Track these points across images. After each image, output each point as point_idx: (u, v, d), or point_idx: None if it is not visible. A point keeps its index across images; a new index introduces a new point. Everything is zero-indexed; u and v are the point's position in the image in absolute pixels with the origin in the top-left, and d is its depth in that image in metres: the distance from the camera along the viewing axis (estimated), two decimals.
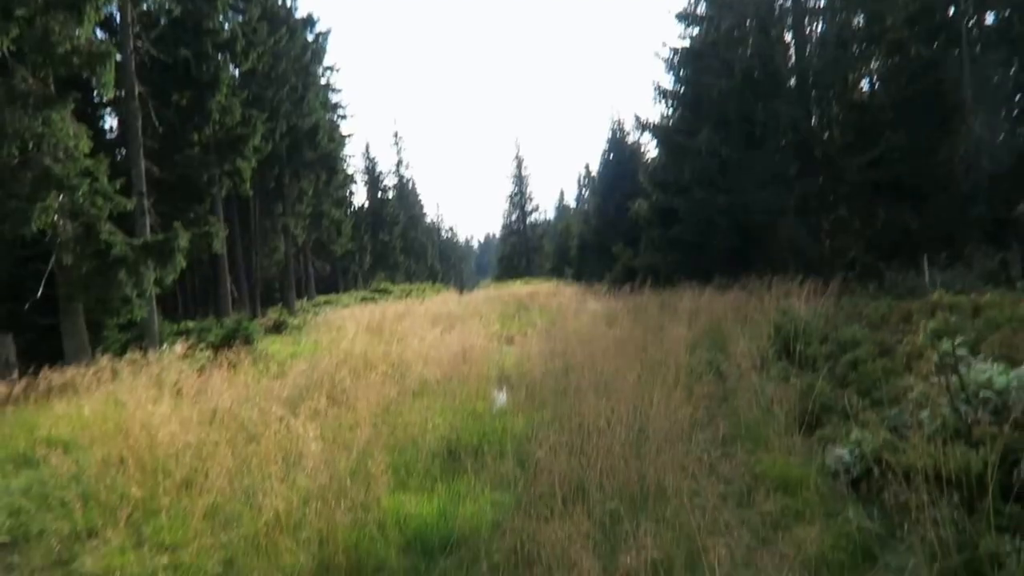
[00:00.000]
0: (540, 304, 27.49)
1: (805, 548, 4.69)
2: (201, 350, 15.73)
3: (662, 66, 31.68)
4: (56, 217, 14.79)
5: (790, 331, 10.08)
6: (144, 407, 8.61)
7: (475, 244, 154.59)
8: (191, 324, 23.49)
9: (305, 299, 42.88)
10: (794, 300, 14.35)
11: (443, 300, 34.38)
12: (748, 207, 24.84)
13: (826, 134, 26.84)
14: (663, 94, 29.79)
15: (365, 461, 6.37)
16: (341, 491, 5.58)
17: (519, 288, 43.75)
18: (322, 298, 44.26)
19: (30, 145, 14.02)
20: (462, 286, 60.02)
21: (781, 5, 28.20)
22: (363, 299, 42.13)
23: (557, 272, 56.78)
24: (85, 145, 15.22)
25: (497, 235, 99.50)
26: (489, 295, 39.60)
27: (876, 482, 4.97)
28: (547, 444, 6.34)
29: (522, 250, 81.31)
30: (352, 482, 5.87)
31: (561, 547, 4.19)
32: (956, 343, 5.38)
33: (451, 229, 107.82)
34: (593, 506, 5.31)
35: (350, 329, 19.42)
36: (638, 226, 31.73)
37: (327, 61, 55.14)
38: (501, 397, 10.76)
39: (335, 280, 54.40)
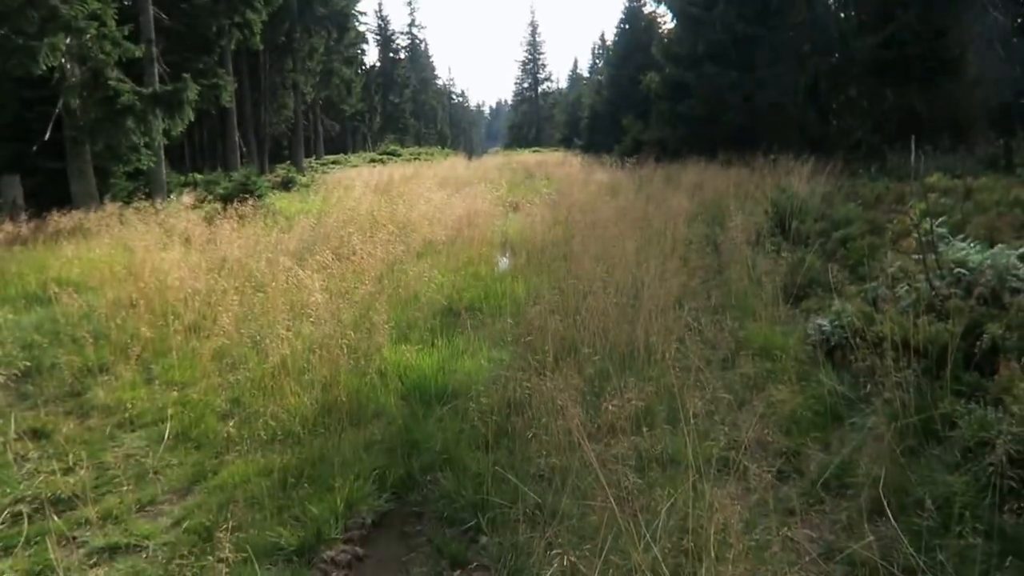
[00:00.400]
0: (547, 173, 27.42)
1: (779, 407, 5.04)
2: (209, 202, 15.88)
3: None
4: (64, 60, 14.57)
5: (787, 208, 10.21)
6: (154, 253, 8.85)
7: (486, 110, 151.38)
8: (198, 176, 23.52)
9: (313, 158, 42.61)
10: (795, 178, 14.37)
11: (451, 165, 34.20)
12: (759, 84, 24.33)
13: (842, 13, 25.87)
14: None
15: (368, 314, 6.66)
16: (345, 341, 5.86)
17: (528, 157, 43.41)
18: (330, 158, 43.95)
19: None
20: (471, 152, 59.39)
21: None
22: (371, 161, 41.85)
23: (567, 143, 55.95)
24: None
25: (509, 102, 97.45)
26: (498, 162, 39.35)
27: (850, 350, 5.25)
28: (544, 306, 6.60)
29: (533, 119, 79.90)
30: (355, 333, 6.16)
31: (550, 396, 4.50)
32: (937, 223, 5.53)
33: (462, 94, 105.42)
34: (584, 364, 5.61)
35: (358, 189, 19.52)
36: (649, 99, 31.07)
37: None
38: (503, 261, 11.02)
39: (344, 141, 53.81)
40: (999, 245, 5.73)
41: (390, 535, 4.12)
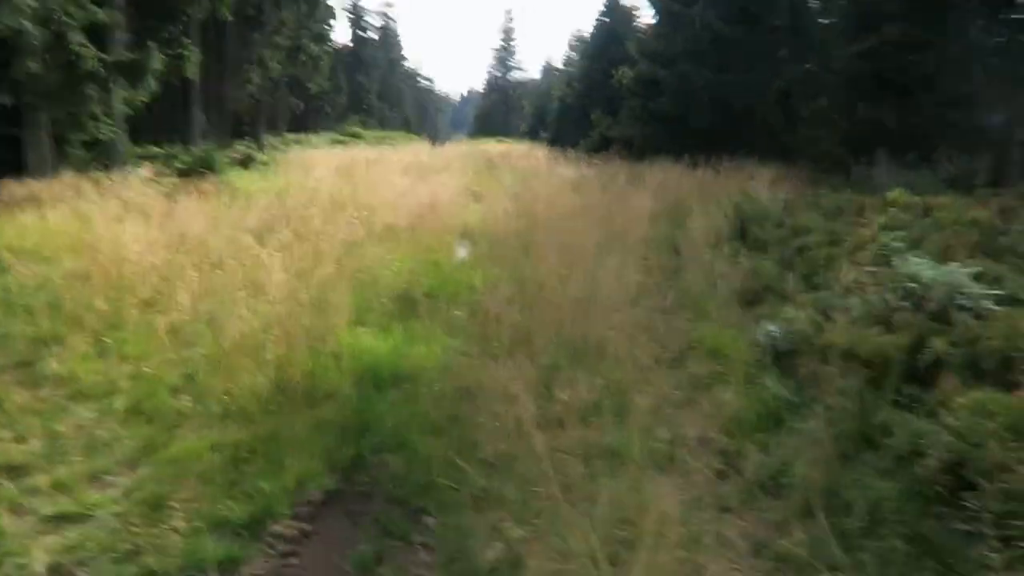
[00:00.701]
0: (512, 165, 27.43)
1: (724, 408, 5.18)
2: (167, 175, 15.63)
3: None
4: (25, 21, 14.16)
5: (748, 213, 10.39)
6: (111, 225, 8.71)
7: (456, 98, 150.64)
8: (157, 149, 23.07)
9: (275, 136, 41.97)
10: (759, 184, 14.61)
11: (415, 151, 34.06)
12: (732, 86, 24.57)
13: (824, 20, 26.25)
14: None
15: (326, 296, 6.65)
16: (301, 322, 5.86)
17: (492, 147, 43.32)
18: (292, 137, 43.33)
19: None
20: (436, 138, 59.03)
21: None
22: (334, 142, 41.45)
23: (533, 135, 55.93)
24: None
25: (478, 91, 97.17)
26: (462, 150, 39.23)
27: (797, 357, 5.39)
28: (502, 297, 6.66)
29: (501, 109, 79.63)
30: (312, 314, 6.15)
31: (503, 385, 4.56)
32: (893, 237, 5.69)
33: (431, 80, 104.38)
34: (537, 355, 5.68)
35: (320, 170, 19.35)
36: (620, 96, 31.20)
37: None
38: (463, 251, 11.04)
39: (307, 120, 53.06)
40: (952, 263, 5.92)
41: (338, 513, 4.16)
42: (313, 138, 44.09)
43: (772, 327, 6.10)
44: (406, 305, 7.54)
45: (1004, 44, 23.24)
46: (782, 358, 5.76)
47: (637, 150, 25.28)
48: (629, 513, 3.62)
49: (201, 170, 15.64)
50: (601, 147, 28.71)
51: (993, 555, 2.87)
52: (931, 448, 3.67)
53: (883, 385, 4.73)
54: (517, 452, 4.19)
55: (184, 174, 15.40)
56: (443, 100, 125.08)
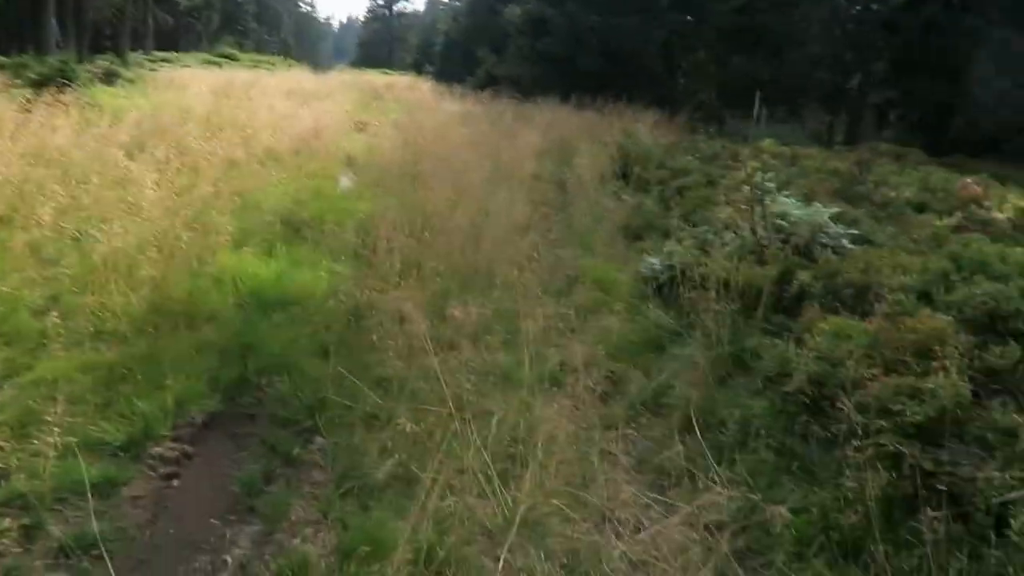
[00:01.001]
0: (397, 96, 26.80)
1: (609, 335, 5.38)
2: (18, 86, 14.27)
3: None
4: None
5: (632, 154, 10.66)
6: None
7: (335, 24, 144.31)
8: (5, 59, 20.99)
9: (140, 53, 39.00)
10: (643, 128, 14.96)
11: (296, 77, 32.54)
12: (617, 31, 24.87)
13: None
14: None
15: (205, 216, 6.35)
16: (178, 242, 5.56)
17: (377, 78, 41.96)
18: (160, 55, 40.34)
19: None
20: (317, 66, 56.57)
21: None
22: (207, 62, 38.86)
23: (418, 68, 54.62)
24: None
25: (359, 18, 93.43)
26: (345, 80, 37.78)
27: (677, 287, 5.65)
28: (390, 225, 6.57)
29: (385, 39, 76.97)
30: (190, 234, 5.86)
31: (394, 307, 4.55)
32: (766, 178, 6.00)
33: (311, 4, 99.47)
34: (428, 282, 5.68)
35: (193, 90, 18.20)
36: (507, 34, 30.92)
37: None
38: (348, 179, 10.77)
39: (176, 38, 49.62)
40: (815, 204, 6.32)
41: (222, 435, 4.06)
42: (184, 57, 41.17)
43: (654, 260, 6.35)
44: (290, 230, 7.32)
45: (859, 13, 24.57)
46: (663, 289, 6.03)
47: (524, 89, 25.25)
48: (520, 433, 3.74)
49: (60, 82, 14.32)
50: (488, 84, 28.48)
51: (850, 455, 3.16)
52: (796, 369, 3.95)
53: (754, 313, 5.05)
54: (409, 372, 4.22)
55: (38, 85, 14.06)
56: (324, 27, 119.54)
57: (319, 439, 3.99)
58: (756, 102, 19.89)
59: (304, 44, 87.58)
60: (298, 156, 10.69)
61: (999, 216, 8.01)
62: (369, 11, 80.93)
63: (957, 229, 7.47)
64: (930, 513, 2.94)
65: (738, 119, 21.33)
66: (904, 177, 10.77)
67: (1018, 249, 5.04)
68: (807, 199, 7.03)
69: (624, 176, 10.31)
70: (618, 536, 3.29)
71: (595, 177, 9.65)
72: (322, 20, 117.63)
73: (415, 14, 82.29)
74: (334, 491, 3.55)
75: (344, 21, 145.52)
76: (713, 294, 5.04)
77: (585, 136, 13.95)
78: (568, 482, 3.46)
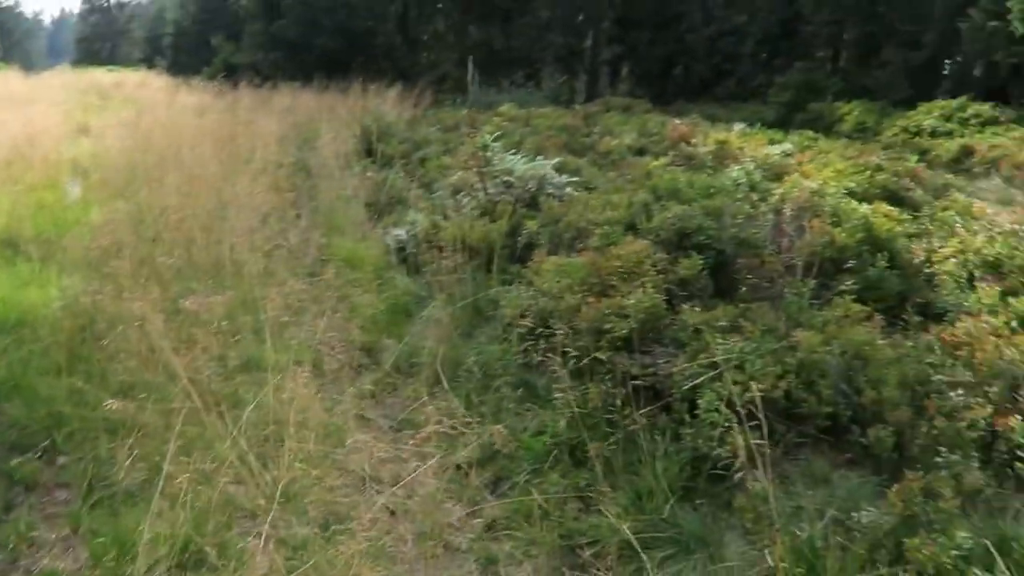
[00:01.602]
0: (127, 95, 24.72)
1: (360, 310, 5.50)
2: None
3: None
4: None
5: (375, 131, 10.75)
6: None
7: (47, 20, 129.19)
8: None
9: None
10: (385, 105, 15.05)
11: (2, 80, 28.96)
12: (352, 9, 24.68)
13: None
14: None
15: None
16: None
17: (103, 76, 38.41)
18: None
19: None
20: (29, 68, 50.53)
21: None
22: None
23: (148, 63, 50.54)
24: None
25: (73, 12, 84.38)
26: (65, 81, 34.16)
27: (421, 254, 5.88)
28: (122, 228, 6.20)
29: (107, 33, 70.19)
30: None
31: (129, 313, 4.35)
32: (491, 139, 6.37)
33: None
34: (168, 283, 5.45)
35: None
36: (241, 18, 29.56)
37: None
38: (74, 188, 9.90)
39: None
40: (539, 158, 6.79)
41: None
42: None
43: (398, 231, 6.53)
44: (10, 250, 6.67)
45: None
46: (408, 258, 6.23)
47: (265, 76, 24.36)
48: (272, 415, 3.77)
49: None
50: (226, 74, 27.10)
51: (562, 374, 3.53)
52: (527, 309, 4.31)
53: (491, 267, 5.39)
54: (151, 375, 4.09)
55: None
56: (33, 24, 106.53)
57: (61, 457, 3.78)
58: (469, 67, 20.69)
59: (10, 44, 77.70)
60: (11, 167, 9.64)
61: (702, 151, 9.06)
62: (85, 3, 73.29)
63: (669, 166, 8.36)
64: (639, 410, 3.40)
65: (483, 87, 22.01)
66: (628, 126, 11.79)
67: (703, 175, 5.77)
68: (537, 155, 7.54)
69: (369, 154, 10.38)
70: (378, 492, 3.46)
71: (339, 158, 9.62)
72: (29, 16, 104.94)
73: (139, 3, 75.71)
74: (82, 505, 3.41)
75: (56, 16, 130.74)
76: (452, 255, 5.32)
77: (328, 118, 13.76)
78: (326, 453, 3.56)
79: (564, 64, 28.07)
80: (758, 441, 2.97)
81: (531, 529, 3.23)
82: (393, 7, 25.50)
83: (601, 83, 28.29)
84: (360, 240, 7.10)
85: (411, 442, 3.88)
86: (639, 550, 2.83)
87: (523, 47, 25.54)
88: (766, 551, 2.69)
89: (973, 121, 14.67)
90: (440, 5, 26.48)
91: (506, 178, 6.20)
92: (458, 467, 3.58)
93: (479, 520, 3.40)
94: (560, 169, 6.71)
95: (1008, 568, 2.36)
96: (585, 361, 3.74)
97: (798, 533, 2.71)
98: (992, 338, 3.48)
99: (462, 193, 6.63)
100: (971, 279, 4.39)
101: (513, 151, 7.10)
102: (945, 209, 5.75)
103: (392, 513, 3.35)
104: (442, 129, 11.01)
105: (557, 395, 3.76)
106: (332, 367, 4.27)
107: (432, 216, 6.33)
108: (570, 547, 3.10)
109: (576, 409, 3.57)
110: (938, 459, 2.85)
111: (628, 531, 2.89)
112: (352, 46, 25.00)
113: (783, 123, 16.82)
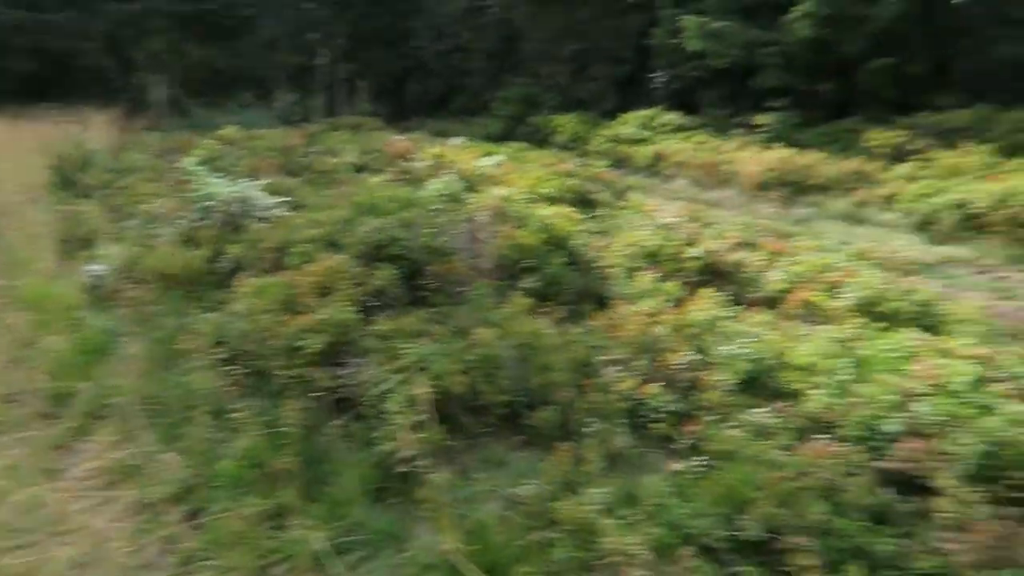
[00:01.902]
0: None
1: (49, 356, 5.05)
2: None
3: None
4: None
5: (75, 161, 9.89)
6: None
7: None
8: None
9: None
10: (92, 131, 13.89)
11: None
12: (50, 28, 22.48)
13: None
14: None
15: None
16: None
17: None
18: None
19: None
20: None
21: None
22: None
23: None
24: None
25: None
26: None
27: (120, 289, 5.53)
28: None
29: None
30: None
31: None
32: (196, 163, 6.16)
33: None
34: None
35: None
36: None
37: None
38: None
39: None
40: (243, 181, 6.66)
41: None
42: None
43: (95, 266, 6.08)
44: None
45: None
46: (107, 294, 5.82)
47: None
48: None
49: None
50: None
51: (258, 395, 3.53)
52: (225, 335, 4.23)
53: (194, 294, 5.21)
54: None
55: None
56: None
57: None
58: (163, 89, 19.83)
59: None
60: None
61: (419, 165, 9.36)
62: None
63: (387, 182, 8.55)
64: (333, 421, 3.49)
65: (207, 109, 21.00)
66: (353, 144, 11.86)
67: (404, 189, 6.00)
68: (251, 177, 7.36)
69: (65, 185, 9.51)
70: (68, 544, 3.25)
71: (29, 192, 8.72)
72: None
73: None
74: None
75: None
76: (152, 287, 5.07)
77: (16, 148, 12.41)
78: (13, 516, 3.30)
79: (297, 82, 27.58)
80: (440, 436, 3.19)
81: (229, 555, 3.19)
82: (100, 26, 23.53)
83: (339, 100, 28.13)
84: (51, 279, 6.50)
85: (102, 488, 3.69)
86: (333, 558, 2.92)
87: (250, 66, 24.76)
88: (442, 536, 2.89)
89: (664, 129, 16.51)
90: (156, 24, 24.87)
91: (208, 203, 6.01)
92: (152, 505, 3.46)
93: (174, 557, 3.29)
94: (272, 190, 6.63)
95: (637, 512, 2.74)
96: (282, 379, 3.76)
97: (468, 515, 2.94)
98: (642, 319, 3.99)
99: (164, 221, 6.32)
100: (633, 269, 4.98)
101: (221, 175, 6.90)
102: (623, 208, 6.46)
103: (82, 565, 3.16)
104: (153, 155, 10.37)
105: (253, 418, 3.75)
106: (23, 419, 3.93)
107: (132, 248, 5.98)
108: (264, 567, 3.11)
109: (271, 429, 3.58)
110: (589, 429, 3.22)
111: (322, 541, 2.97)
112: (52, 67, 22.73)
113: (506, 136, 17.82)
